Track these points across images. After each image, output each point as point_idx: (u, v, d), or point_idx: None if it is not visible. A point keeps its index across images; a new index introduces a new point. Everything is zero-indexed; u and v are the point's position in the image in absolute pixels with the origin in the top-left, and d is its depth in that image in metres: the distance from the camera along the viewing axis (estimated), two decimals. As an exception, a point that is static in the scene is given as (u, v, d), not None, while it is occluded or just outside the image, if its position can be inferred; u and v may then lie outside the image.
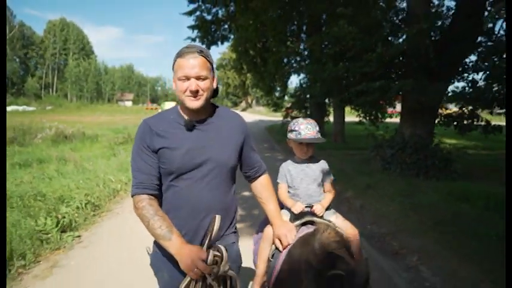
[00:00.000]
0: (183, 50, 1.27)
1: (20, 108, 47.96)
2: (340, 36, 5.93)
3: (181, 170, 1.26)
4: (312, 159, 1.85)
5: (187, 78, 1.23)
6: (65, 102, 64.77)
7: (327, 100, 12.77)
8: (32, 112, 42.09)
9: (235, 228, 1.47)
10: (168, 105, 56.64)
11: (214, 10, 9.38)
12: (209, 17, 9.41)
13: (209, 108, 1.36)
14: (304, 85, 12.05)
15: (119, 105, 66.68)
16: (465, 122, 6.59)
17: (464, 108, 6.44)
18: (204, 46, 9.18)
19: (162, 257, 1.29)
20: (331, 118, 14.68)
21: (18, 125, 15.36)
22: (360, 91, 6.15)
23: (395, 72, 5.99)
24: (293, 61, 14.05)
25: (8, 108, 43.51)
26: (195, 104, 1.25)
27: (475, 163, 8.21)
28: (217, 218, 1.20)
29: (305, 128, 1.72)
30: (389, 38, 6.03)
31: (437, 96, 5.85)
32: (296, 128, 1.75)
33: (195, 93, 1.23)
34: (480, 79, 5.84)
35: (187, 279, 1.17)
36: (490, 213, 3.86)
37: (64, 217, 3.87)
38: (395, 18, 6.98)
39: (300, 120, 1.78)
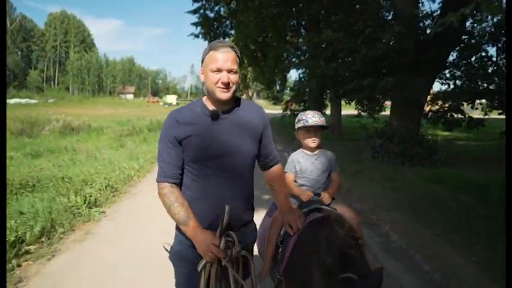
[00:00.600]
0: (216, 44, 1.34)
1: (23, 100, 48.28)
2: (330, 40, 6.50)
3: (207, 157, 1.33)
4: (321, 151, 1.97)
5: (220, 71, 1.30)
6: (67, 95, 65.14)
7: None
8: (35, 105, 42.43)
9: (253, 214, 1.56)
10: (170, 98, 56.87)
11: (216, 8, 9.89)
12: (212, 15, 9.93)
13: (233, 100, 1.42)
14: (302, 79, 12.57)
15: (120, 98, 66.98)
16: (451, 117, 7.17)
17: (448, 104, 7.01)
18: (206, 42, 9.48)
19: (186, 243, 1.36)
20: (328, 111, 15.22)
21: (26, 117, 15.92)
22: (351, 88, 6.71)
23: (382, 70, 6.52)
24: (292, 56, 14.53)
25: (11, 101, 43.89)
26: (225, 95, 1.31)
27: (461, 152, 8.80)
28: (227, 208, 1.28)
29: (312, 117, 1.87)
30: (379, 38, 6.54)
31: (421, 91, 6.39)
32: (303, 117, 1.90)
33: (226, 85, 1.30)
34: (461, 76, 6.39)
35: (203, 261, 1.30)
36: (458, 192, 4.46)
37: (91, 196, 4.49)
38: (386, 15, 7.47)
39: (307, 111, 1.95)
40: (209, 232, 1.29)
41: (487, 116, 7.39)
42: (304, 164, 1.93)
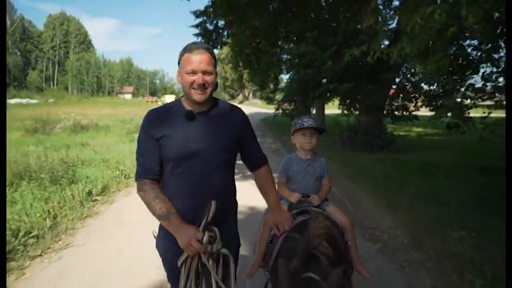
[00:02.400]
0: (191, 46, 1.35)
1: (24, 101, 48.91)
2: (306, 53, 8.25)
3: (181, 156, 1.35)
4: (315, 156, 2.02)
5: (194, 73, 1.32)
6: (67, 95, 66.21)
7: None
8: (35, 104, 43.14)
9: (236, 214, 1.58)
10: (168, 98, 58.10)
11: (215, 21, 11.60)
12: (211, 27, 11.65)
13: (211, 101, 1.43)
14: (291, 82, 14.29)
15: (118, 98, 68.11)
16: (399, 113, 9.00)
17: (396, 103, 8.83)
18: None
19: (165, 241, 1.43)
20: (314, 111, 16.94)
21: (39, 116, 17.31)
22: (322, 91, 8.47)
23: (344, 77, 8.23)
24: (282, 61, 16.25)
25: (12, 101, 44.78)
26: (201, 97, 1.34)
27: (419, 144, 10.58)
28: (213, 203, 1.29)
29: (307, 120, 1.92)
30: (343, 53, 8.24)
31: (377, 95, 8.12)
32: (299, 121, 1.95)
33: (202, 87, 1.32)
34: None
35: (185, 255, 1.32)
36: (389, 167, 6.21)
37: (124, 171, 6.18)
38: (352, 34, 9.20)
39: (303, 116, 2.03)
40: (192, 226, 1.30)
41: (419, 113, 9.28)
42: (296, 169, 1.99)
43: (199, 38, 11.86)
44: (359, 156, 7.82)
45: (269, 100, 21.39)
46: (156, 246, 1.50)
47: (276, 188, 1.68)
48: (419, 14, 3.21)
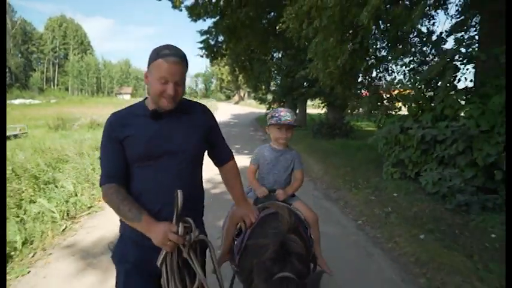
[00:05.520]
0: (166, 52, 1.28)
1: (27, 101, 50.68)
2: (287, 65, 11.30)
3: (146, 156, 1.33)
4: (287, 149, 2.10)
5: (166, 82, 1.29)
6: (68, 96, 68.18)
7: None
8: (39, 105, 44.84)
9: (203, 211, 1.57)
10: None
11: (215, 38, 14.59)
12: (213, 43, 14.61)
13: None
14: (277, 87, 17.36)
15: (118, 99, 70.17)
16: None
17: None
18: (208, 59, 14.11)
19: (128, 243, 1.39)
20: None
21: (58, 115, 19.73)
22: (298, 94, 11.53)
23: (313, 83, 11.25)
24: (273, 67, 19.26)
25: (16, 101, 46.77)
26: (169, 106, 1.34)
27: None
28: (180, 193, 1.26)
29: (284, 115, 1.97)
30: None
31: (339, 96, 11.15)
32: (276, 115, 2.00)
33: (172, 97, 1.31)
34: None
35: (163, 253, 1.26)
36: (337, 147, 9.23)
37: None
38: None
39: (280, 108, 2.04)
40: (164, 222, 1.28)
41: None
42: (268, 158, 2.07)
43: (203, 51, 14.89)
44: (322, 142, 10.86)
45: (261, 101, 24.45)
46: (114, 256, 1.44)
47: (242, 181, 1.68)
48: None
